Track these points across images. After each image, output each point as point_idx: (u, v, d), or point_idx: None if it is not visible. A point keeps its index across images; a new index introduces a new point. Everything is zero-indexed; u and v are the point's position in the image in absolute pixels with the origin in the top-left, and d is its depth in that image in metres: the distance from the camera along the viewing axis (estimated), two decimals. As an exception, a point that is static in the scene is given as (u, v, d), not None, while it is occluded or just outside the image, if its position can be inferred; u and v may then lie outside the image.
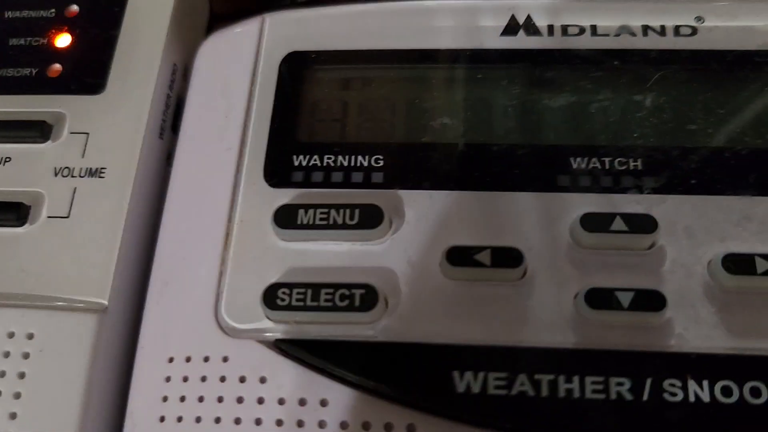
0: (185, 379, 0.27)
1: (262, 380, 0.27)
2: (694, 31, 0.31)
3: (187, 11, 0.37)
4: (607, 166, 0.29)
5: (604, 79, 0.31)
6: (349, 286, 0.27)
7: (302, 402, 0.26)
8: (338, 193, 0.29)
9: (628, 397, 0.25)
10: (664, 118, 0.30)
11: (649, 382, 0.25)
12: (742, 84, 0.30)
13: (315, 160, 0.30)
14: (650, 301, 0.26)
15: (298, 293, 0.27)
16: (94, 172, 0.31)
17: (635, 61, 0.31)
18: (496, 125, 0.30)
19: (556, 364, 0.26)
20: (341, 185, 0.29)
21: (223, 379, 0.27)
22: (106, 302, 0.29)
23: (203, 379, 0.27)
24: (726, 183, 0.28)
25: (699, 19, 0.32)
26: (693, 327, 0.26)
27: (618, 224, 0.27)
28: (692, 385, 0.25)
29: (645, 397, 0.25)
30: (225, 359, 0.27)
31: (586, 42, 0.32)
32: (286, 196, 0.29)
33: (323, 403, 0.26)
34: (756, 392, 0.25)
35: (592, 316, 0.26)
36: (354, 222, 0.28)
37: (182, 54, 0.36)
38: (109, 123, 0.32)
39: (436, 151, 0.30)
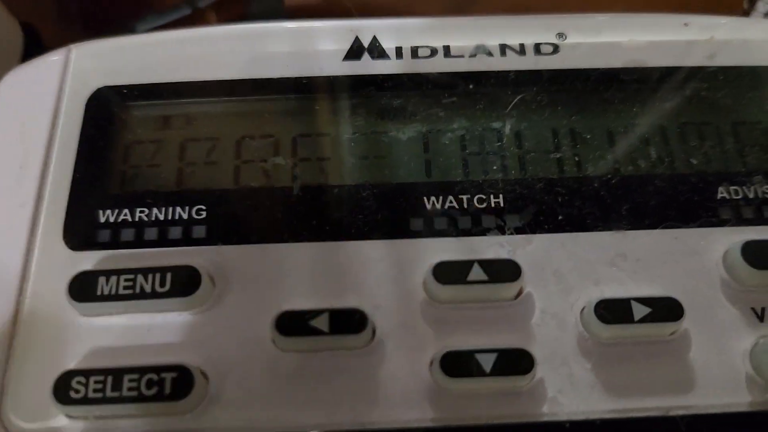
0: (-41, 502, 0.22)
1: (55, 494, 0.21)
2: (556, 48, 0.28)
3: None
4: (465, 205, 0.25)
5: (458, 106, 0.27)
6: (158, 369, 0.22)
7: None
8: (152, 253, 0.24)
9: (496, 480, 0.21)
10: (525, 147, 0.26)
11: (519, 460, 0.21)
12: (609, 105, 0.27)
13: (125, 215, 0.25)
14: (516, 362, 0.22)
15: (95, 382, 0.22)
16: None
17: (492, 84, 0.27)
18: (337, 163, 0.26)
19: (411, 447, 0.22)
20: (156, 244, 0.25)
21: (8, 495, 0.22)
22: None
23: (-16, 497, 0.22)
24: (597, 217, 0.25)
25: (561, 35, 0.29)
26: (567, 389, 0.22)
27: (476, 273, 0.23)
28: (570, 459, 0.21)
29: (515, 479, 0.21)
30: (11, 469, 0.22)
31: (438, 64, 0.28)
32: (88, 260, 0.24)
33: None
34: (640, 461, 0.21)
35: (451, 386, 0.22)
36: (165, 289, 0.23)
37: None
38: None
39: (268, 197, 0.25)
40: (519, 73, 0.28)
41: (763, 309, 0.24)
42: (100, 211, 0.25)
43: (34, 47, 0.38)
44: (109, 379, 0.22)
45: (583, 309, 0.23)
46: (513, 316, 0.23)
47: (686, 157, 0.26)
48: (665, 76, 0.28)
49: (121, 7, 0.44)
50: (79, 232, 0.25)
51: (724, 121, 0.27)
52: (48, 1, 0.46)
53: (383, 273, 0.24)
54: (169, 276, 0.23)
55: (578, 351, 0.23)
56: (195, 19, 0.42)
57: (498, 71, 0.28)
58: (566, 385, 0.23)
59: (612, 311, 0.23)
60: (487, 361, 0.22)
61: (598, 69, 0.28)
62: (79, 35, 0.34)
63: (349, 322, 0.22)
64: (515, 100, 0.27)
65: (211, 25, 0.40)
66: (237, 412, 0.22)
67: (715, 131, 0.27)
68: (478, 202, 0.25)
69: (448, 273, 0.23)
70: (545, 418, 0.22)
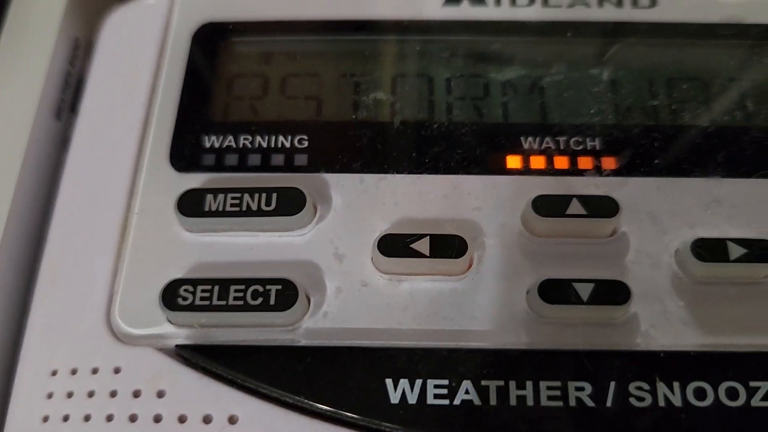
0: (69, 395, 0.23)
1: (160, 394, 0.23)
2: (654, 2, 0.29)
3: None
4: (561, 146, 0.26)
5: (556, 52, 0.28)
6: (264, 282, 0.23)
7: (207, 419, 0.22)
8: (255, 177, 0.25)
9: (590, 403, 0.22)
10: (623, 93, 0.27)
11: (612, 385, 0.22)
12: (706, 58, 0.28)
13: (229, 141, 0.26)
14: (613, 293, 0.22)
15: (203, 290, 0.23)
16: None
17: (590, 33, 0.28)
18: (437, 101, 0.27)
19: (506, 367, 0.22)
20: (259, 169, 0.26)
21: (113, 393, 0.23)
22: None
23: (90, 394, 0.23)
24: (693, 163, 0.25)
25: (658, -10, 0.29)
26: (661, 323, 0.23)
27: (575, 207, 0.23)
28: (662, 387, 0.22)
29: (608, 402, 0.22)
30: (117, 370, 0.23)
31: (536, 13, 0.28)
32: (194, 181, 0.25)
33: (232, 420, 0.22)
34: (733, 393, 0.22)
35: (547, 312, 0.23)
36: (271, 208, 0.24)
37: (87, 28, 0.32)
38: (-6, 100, 0.28)
39: (368, 130, 0.26)
40: (617, 24, 0.28)
41: None
42: (205, 137, 0.26)
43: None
44: (216, 288, 0.23)
45: (677, 249, 0.24)
46: (608, 253, 0.24)
47: (782, 110, 0.26)
48: (763, 32, 0.28)
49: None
50: (185, 155, 0.26)
51: (821, 77, 0.27)
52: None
53: (481, 206, 0.25)
54: (275, 196, 0.24)
55: (672, 289, 0.23)
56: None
57: (596, 21, 0.28)
58: (660, 320, 0.23)
59: (708, 250, 0.23)
60: (584, 290, 0.22)
61: (696, 23, 0.28)
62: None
63: (449, 246, 0.23)
64: (613, 48, 0.27)
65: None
66: (335, 327, 0.23)
67: (813, 86, 0.27)
68: (574, 144, 0.26)
69: (548, 206, 0.24)
70: (639, 348, 0.22)
